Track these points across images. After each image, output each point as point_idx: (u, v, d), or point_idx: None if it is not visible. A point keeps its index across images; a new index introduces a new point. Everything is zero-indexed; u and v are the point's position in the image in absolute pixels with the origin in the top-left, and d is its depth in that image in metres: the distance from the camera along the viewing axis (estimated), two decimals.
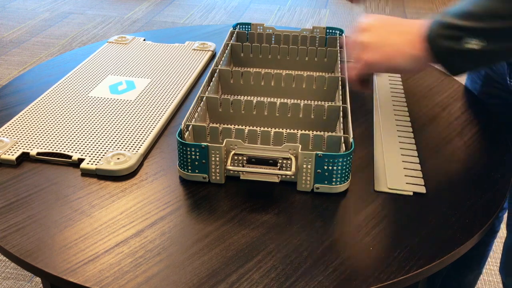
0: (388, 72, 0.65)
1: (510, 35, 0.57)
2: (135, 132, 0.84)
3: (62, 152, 0.79)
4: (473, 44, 0.57)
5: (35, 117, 0.87)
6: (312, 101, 0.94)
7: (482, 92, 1.00)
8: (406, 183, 0.75)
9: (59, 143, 0.81)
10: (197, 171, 0.73)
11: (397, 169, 0.78)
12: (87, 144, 0.80)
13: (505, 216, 1.04)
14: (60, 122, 0.86)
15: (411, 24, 0.64)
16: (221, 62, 0.99)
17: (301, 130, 0.86)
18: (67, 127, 0.85)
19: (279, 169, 0.73)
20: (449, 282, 1.19)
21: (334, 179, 0.71)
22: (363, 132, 0.87)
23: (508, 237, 0.96)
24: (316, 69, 1.05)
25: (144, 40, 1.20)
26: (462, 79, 1.43)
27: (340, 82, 0.91)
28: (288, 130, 0.84)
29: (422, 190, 0.74)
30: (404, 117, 0.92)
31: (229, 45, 1.06)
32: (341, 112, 0.83)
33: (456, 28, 0.58)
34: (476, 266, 1.17)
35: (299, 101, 0.94)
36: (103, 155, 0.78)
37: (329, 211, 0.70)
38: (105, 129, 0.84)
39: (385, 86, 1.02)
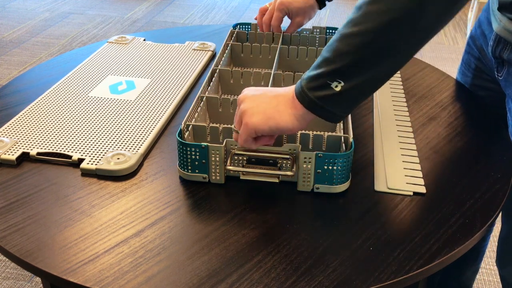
0: (273, 133, 0.67)
1: (359, 69, 0.61)
2: (135, 132, 0.84)
3: (62, 152, 0.79)
4: (339, 86, 0.62)
5: (35, 117, 0.87)
6: None
7: (473, 84, 1.02)
8: (406, 183, 0.75)
9: (59, 143, 0.81)
10: (197, 171, 0.73)
11: (397, 169, 0.78)
12: (87, 144, 0.80)
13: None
14: (60, 122, 0.86)
15: (283, 89, 0.68)
16: (221, 62, 0.99)
17: (301, 130, 0.86)
18: (67, 127, 0.85)
19: (279, 169, 0.73)
20: (448, 280, 1.20)
21: (334, 179, 0.71)
22: (363, 132, 0.87)
23: (503, 229, 0.97)
24: None
25: (144, 40, 1.20)
26: (453, 73, 1.42)
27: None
28: None
29: (422, 190, 0.74)
30: (404, 117, 0.92)
31: (229, 45, 1.06)
32: None
33: (318, 76, 0.63)
34: (474, 261, 1.17)
35: None
36: (103, 155, 0.78)
37: (329, 211, 0.70)
38: (105, 129, 0.84)
39: (385, 86, 1.02)
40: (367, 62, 0.60)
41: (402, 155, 0.81)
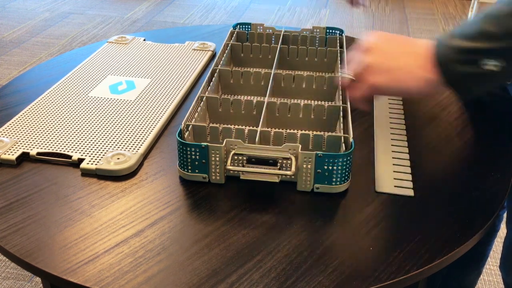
0: (397, 95, 0.61)
1: None
2: (135, 132, 0.84)
3: (62, 152, 0.79)
4: (491, 65, 0.54)
5: (35, 117, 0.87)
6: (312, 101, 0.94)
7: None
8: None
9: (59, 143, 0.81)
10: (197, 171, 0.73)
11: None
12: (87, 144, 0.80)
13: (505, 215, 1.04)
14: (60, 122, 0.86)
15: (417, 45, 0.60)
16: (221, 62, 0.99)
17: (301, 130, 0.86)
18: (67, 127, 0.85)
19: (279, 169, 0.73)
20: (450, 282, 1.19)
21: (334, 179, 0.71)
22: (363, 132, 0.87)
23: (508, 234, 0.96)
24: (316, 69, 1.05)
25: (144, 40, 1.20)
26: None
27: (340, 82, 0.91)
28: (288, 130, 0.84)
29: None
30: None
31: (229, 45, 1.06)
32: (341, 112, 0.83)
33: (471, 51, 0.55)
34: (476, 265, 1.17)
35: (299, 101, 0.94)
36: (103, 155, 0.78)
37: (329, 211, 0.70)
38: (105, 129, 0.84)
39: None
40: None
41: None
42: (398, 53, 0.60)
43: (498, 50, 0.53)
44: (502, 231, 1.29)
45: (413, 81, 0.59)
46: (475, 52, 0.54)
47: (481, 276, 1.56)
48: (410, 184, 0.75)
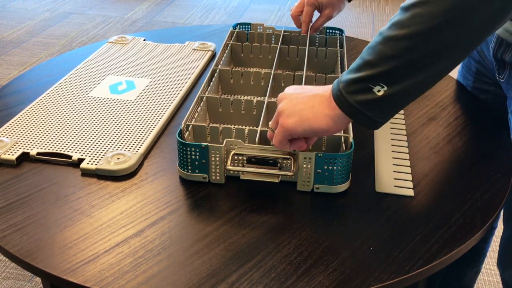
0: (308, 135, 0.66)
1: (405, 73, 0.59)
2: (135, 132, 0.84)
3: (62, 152, 0.79)
4: (378, 91, 0.59)
5: (35, 117, 0.87)
6: None
7: (474, 87, 1.01)
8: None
9: (59, 143, 0.81)
10: (197, 171, 0.73)
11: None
12: (87, 144, 0.80)
13: (502, 212, 1.04)
14: (60, 122, 0.86)
15: (321, 88, 0.66)
16: (221, 62, 0.99)
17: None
18: (67, 127, 0.85)
19: (279, 169, 0.73)
20: (449, 280, 1.19)
21: (334, 179, 0.71)
22: (363, 132, 0.87)
23: (505, 231, 0.96)
24: (316, 69, 1.05)
25: (144, 40, 1.20)
26: (454, 73, 1.42)
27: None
28: None
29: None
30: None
31: (229, 45, 1.06)
32: None
33: (357, 81, 0.60)
34: (475, 263, 1.17)
35: None
36: (103, 155, 0.78)
37: (329, 211, 0.70)
38: (105, 129, 0.84)
39: None
40: (414, 66, 0.58)
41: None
42: (304, 97, 0.66)
43: (378, 75, 0.59)
44: (500, 227, 1.29)
45: (319, 119, 0.64)
46: (362, 80, 0.60)
47: (481, 276, 1.56)
48: (410, 184, 0.75)
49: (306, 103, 0.65)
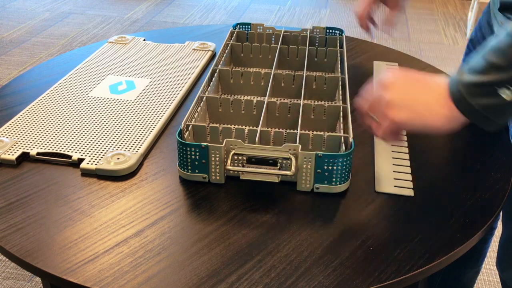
0: (419, 131, 0.63)
1: None
2: (135, 132, 0.84)
3: (62, 152, 0.79)
4: (506, 95, 0.57)
5: (35, 117, 0.87)
6: (312, 101, 0.94)
7: None
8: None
9: (59, 143, 0.81)
10: (197, 171, 0.73)
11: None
12: (87, 144, 0.80)
13: (501, 213, 1.04)
14: (60, 122, 0.86)
15: (434, 82, 0.62)
16: (221, 62, 0.99)
17: (301, 130, 0.86)
18: (67, 127, 0.85)
19: (279, 169, 0.73)
20: (449, 280, 1.19)
21: (334, 179, 0.71)
22: (363, 132, 0.87)
23: (504, 232, 0.97)
24: (316, 69, 1.05)
25: (144, 40, 1.20)
26: (453, 73, 1.39)
27: (340, 82, 0.91)
28: (288, 130, 0.84)
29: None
30: None
31: (229, 45, 1.06)
32: (341, 112, 0.83)
33: (484, 84, 0.58)
34: (475, 263, 1.17)
35: (299, 101, 0.94)
36: (103, 155, 0.78)
37: (329, 211, 0.70)
38: (105, 129, 0.84)
39: None
40: None
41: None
42: (416, 90, 0.62)
43: (507, 80, 0.56)
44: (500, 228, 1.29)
45: (434, 117, 0.61)
46: (489, 84, 0.57)
47: (480, 276, 1.56)
48: (410, 184, 0.75)
49: (420, 98, 0.61)
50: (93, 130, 0.84)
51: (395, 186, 0.74)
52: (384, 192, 0.73)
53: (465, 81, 0.59)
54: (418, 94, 0.62)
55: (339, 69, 0.97)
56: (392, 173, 0.77)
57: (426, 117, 0.61)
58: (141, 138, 0.82)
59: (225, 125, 0.85)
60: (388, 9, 1.02)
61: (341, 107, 0.83)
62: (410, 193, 0.73)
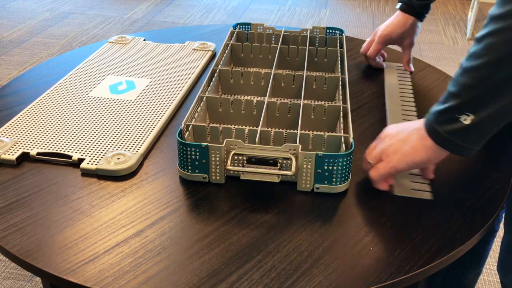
0: (411, 168, 0.70)
1: (486, 101, 0.61)
2: (135, 132, 0.84)
3: (62, 152, 0.79)
4: (466, 119, 0.62)
5: (35, 117, 0.87)
6: (312, 101, 0.94)
7: None
8: (408, 182, 0.75)
9: (59, 143, 0.81)
10: (197, 171, 0.73)
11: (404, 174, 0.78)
12: (87, 144, 0.80)
13: (503, 215, 1.04)
14: (60, 122, 0.86)
15: (416, 123, 0.70)
16: (221, 62, 0.99)
17: (301, 130, 0.86)
18: (67, 127, 0.85)
19: (279, 169, 0.73)
20: (449, 281, 1.19)
21: (334, 179, 0.71)
22: (363, 132, 0.87)
23: (506, 236, 0.96)
24: (316, 69, 1.05)
25: (144, 40, 1.20)
26: (453, 73, 1.40)
27: (340, 82, 0.91)
28: (288, 130, 0.84)
29: (422, 190, 0.74)
30: (412, 116, 0.92)
31: (229, 45, 1.06)
32: (341, 112, 0.83)
33: (445, 111, 0.64)
34: (476, 265, 1.17)
35: (299, 101, 0.94)
36: (103, 155, 0.78)
37: (329, 211, 0.70)
38: (105, 129, 0.84)
39: (394, 83, 1.02)
40: (493, 94, 0.60)
41: None
42: (403, 135, 0.70)
43: (462, 104, 0.62)
44: (502, 231, 1.29)
45: (419, 152, 0.68)
46: (448, 111, 0.64)
47: (481, 276, 1.56)
48: (410, 184, 0.75)
49: (406, 139, 0.69)
50: (93, 130, 0.84)
51: (412, 189, 0.74)
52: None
53: (432, 110, 0.67)
54: (404, 137, 0.70)
55: (339, 69, 0.97)
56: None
57: (412, 154, 0.68)
58: (141, 138, 0.82)
59: (225, 125, 0.85)
60: (402, 49, 1.09)
61: (341, 107, 0.83)
62: (410, 193, 0.73)
